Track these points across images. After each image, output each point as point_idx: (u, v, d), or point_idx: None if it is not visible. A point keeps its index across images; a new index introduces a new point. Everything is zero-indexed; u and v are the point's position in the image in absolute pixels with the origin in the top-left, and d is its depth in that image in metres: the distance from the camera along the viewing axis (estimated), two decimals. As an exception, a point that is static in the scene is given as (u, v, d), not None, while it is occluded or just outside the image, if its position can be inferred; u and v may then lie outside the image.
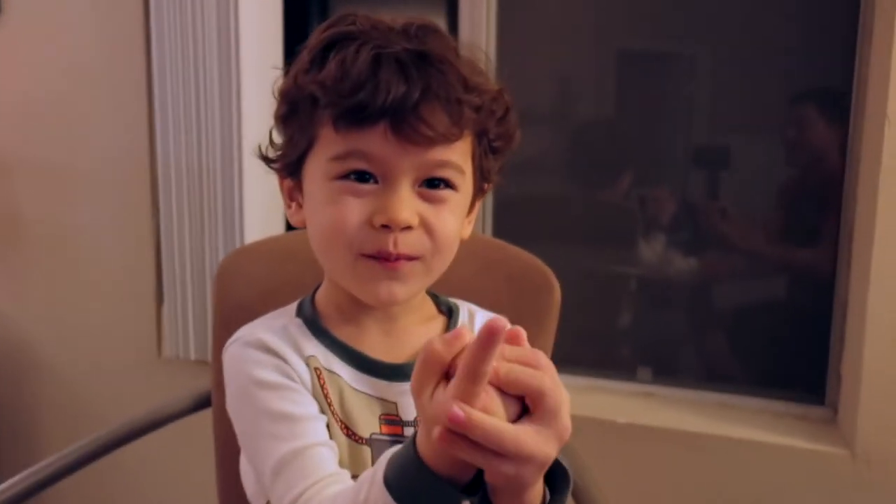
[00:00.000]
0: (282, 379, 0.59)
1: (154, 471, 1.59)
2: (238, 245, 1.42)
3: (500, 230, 1.49)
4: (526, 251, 0.82)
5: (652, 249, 1.49)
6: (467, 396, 0.41)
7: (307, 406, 0.59)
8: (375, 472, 0.46)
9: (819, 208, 1.37)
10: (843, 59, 1.26)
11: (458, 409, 0.40)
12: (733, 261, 1.47)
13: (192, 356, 1.50)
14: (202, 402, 0.92)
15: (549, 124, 1.51)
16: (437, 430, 0.41)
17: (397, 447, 0.47)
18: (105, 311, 1.60)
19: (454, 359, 0.43)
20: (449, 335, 0.43)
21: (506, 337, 0.41)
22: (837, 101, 1.31)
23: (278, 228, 1.53)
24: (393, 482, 0.44)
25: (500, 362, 0.42)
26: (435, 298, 0.69)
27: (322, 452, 0.57)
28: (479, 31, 1.43)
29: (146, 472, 1.59)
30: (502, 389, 0.42)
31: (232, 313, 0.85)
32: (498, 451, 0.41)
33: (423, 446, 0.44)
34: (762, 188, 1.42)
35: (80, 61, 1.53)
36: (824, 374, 1.31)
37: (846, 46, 1.24)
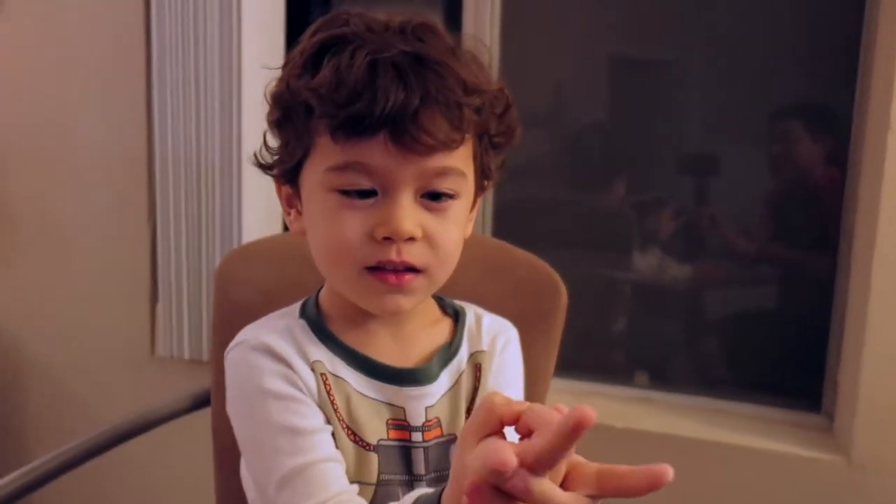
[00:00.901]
0: (287, 388, 0.58)
1: (151, 470, 1.57)
2: (236, 244, 1.41)
3: (498, 235, 1.49)
4: (533, 255, 0.82)
5: (648, 256, 1.49)
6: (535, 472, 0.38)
7: (313, 418, 0.58)
8: None
9: (814, 216, 1.38)
10: (839, 70, 1.27)
11: (524, 483, 0.37)
12: (729, 268, 1.48)
13: (187, 355, 1.49)
14: (201, 401, 0.91)
15: (546, 129, 1.52)
16: (469, 482, 0.38)
17: (422, 493, 0.46)
18: (98, 310, 1.58)
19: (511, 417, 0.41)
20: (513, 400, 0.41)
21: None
22: (824, 114, 1.34)
23: (277, 227, 1.52)
24: None
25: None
26: (440, 301, 0.68)
27: (328, 469, 0.56)
28: (482, 31, 1.43)
29: (143, 471, 1.57)
30: None
31: (232, 313, 0.85)
32: None
33: (448, 502, 0.43)
34: (757, 195, 1.43)
35: (78, 57, 1.51)
36: (821, 381, 1.31)
37: (843, 56, 1.25)
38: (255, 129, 1.41)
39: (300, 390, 0.58)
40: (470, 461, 0.40)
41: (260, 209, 1.46)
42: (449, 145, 0.54)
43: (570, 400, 1.40)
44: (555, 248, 1.50)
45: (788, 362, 1.40)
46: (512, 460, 0.36)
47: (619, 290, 1.53)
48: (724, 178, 1.43)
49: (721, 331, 1.50)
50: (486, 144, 0.60)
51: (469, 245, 0.63)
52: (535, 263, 0.82)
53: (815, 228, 1.39)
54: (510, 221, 1.50)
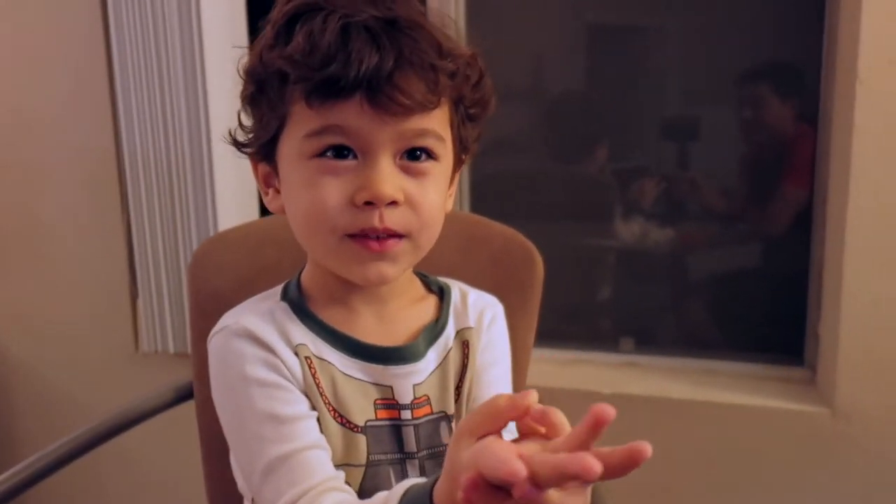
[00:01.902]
0: (270, 375, 0.57)
1: (141, 465, 1.57)
2: (212, 233, 1.40)
3: (477, 209, 1.48)
4: (508, 226, 0.81)
5: (629, 222, 1.50)
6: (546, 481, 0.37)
7: (297, 405, 0.57)
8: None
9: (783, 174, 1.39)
10: (808, 26, 1.27)
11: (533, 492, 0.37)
12: (710, 230, 1.49)
13: (172, 349, 1.48)
14: (184, 395, 0.90)
15: (521, 100, 1.51)
16: (467, 478, 0.38)
17: (412, 484, 0.46)
18: (79, 308, 1.57)
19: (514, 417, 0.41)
20: (518, 396, 0.41)
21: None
22: (794, 73, 1.35)
23: (252, 214, 1.51)
24: None
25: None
26: (424, 278, 0.67)
27: (313, 456, 0.55)
28: (447, 7, 1.40)
29: (132, 466, 1.57)
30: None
31: (208, 303, 0.84)
32: None
33: (440, 497, 0.43)
34: (732, 156, 1.44)
35: (37, 54, 1.48)
36: (802, 335, 1.33)
37: (811, 16, 1.25)
38: (222, 117, 1.39)
39: (284, 377, 0.57)
40: (466, 458, 0.39)
41: (234, 197, 1.44)
42: (426, 106, 0.54)
43: (556, 369, 1.41)
44: (536, 220, 1.51)
45: (770, 319, 1.42)
46: (521, 470, 0.36)
47: (602, 258, 1.53)
48: (703, 141, 1.43)
49: (704, 292, 1.52)
50: (462, 115, 0.59)
51: (444, 220, 0.62)
52: (511, 235, 0.81)
53: (785, 185, 1.40)
54: (489, 194, 1.50)
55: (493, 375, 0.65)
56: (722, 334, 1.48)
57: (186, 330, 1.46)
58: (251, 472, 0.56)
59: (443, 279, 0.68)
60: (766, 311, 1.43)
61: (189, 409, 0.90)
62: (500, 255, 0.79)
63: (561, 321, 1.49)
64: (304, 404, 0.57)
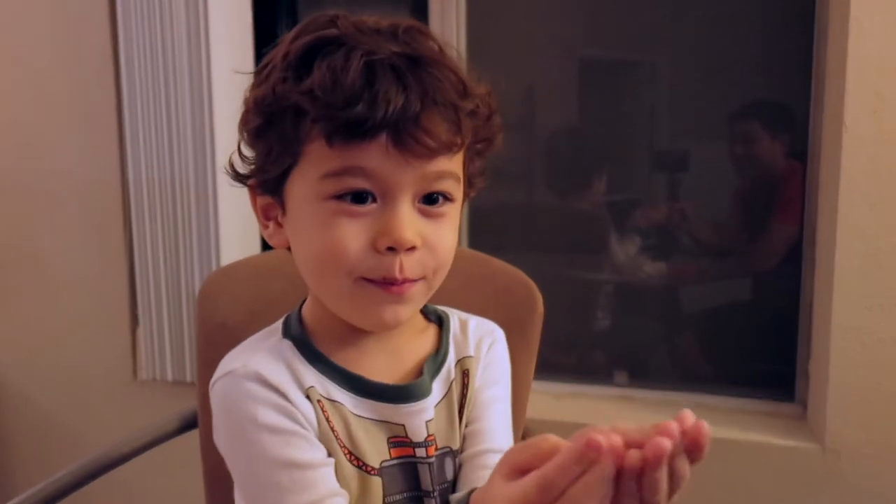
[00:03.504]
0: (285, 421, 0.55)
1: (142, 494, 1.57)
2: (214, 264, 1.42)
3: (473, 241, 1.51)
4: (509, 264, 0.84)
5: (623, 255, 1.52)
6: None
7: (314, 451, 0.55)
8: None
9: (774, 211, 1.43)
10: (798, 69, 1.31)
11: None
12: (702, 264, 1.52)
13: (170, 377, 1.49)
14: (188, 423, 0.91)
15: (517, 133, 1.54)
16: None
17: None
18: (79, 336, 1.57)
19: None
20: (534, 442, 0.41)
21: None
22: (783, 111, 1.38)
23: (255, 246, 1.53)
24: None
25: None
26: (422, 308, 0.65)
27: (337, 502, 0.54)
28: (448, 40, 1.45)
29: (134, 496, 1.57)
30: None
31: (216, 333, 0.86)
32: None
33: None
34: (723, 191, 1.47)
35: (45, 79, 1.51)
36: (793, 372, 1.35)
37: (802, 56, 1.30)
38: (228, 149, 1.41)
39: (299, 423, 0.55)
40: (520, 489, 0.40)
41: (237, 228, 1.46)
42: (451, 148, 0.53)
43: (551, 402, 1.43)
44: (529, 252, 1.53)
45: (762, 354, 1.44)
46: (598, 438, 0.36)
47: (595, 291, 1.55)
48: (694, 176, 1.46)
49: (696, 326, 1.53)
50: (472, 151, 0.58)
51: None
52: (512, 274, 0.84)
53: (775, 221, 1.43)
54: (485, 227, 1.52)
55: (490, 396, 0.64)
56: (714, 368, 1.50)
57: (185, 358, 1.47)
58: None
59: (441, 308, 0.67)
60: (758, 346, 1.45)
61: (190, 438, 0.91)
62: (501, 293, 0.81)
63: (556, 353, 1.51)
64: (321, 451, 0.56)
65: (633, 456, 0.37)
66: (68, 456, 0.86)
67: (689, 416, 0.38)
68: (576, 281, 1.54)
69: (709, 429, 0.38)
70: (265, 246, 1.52)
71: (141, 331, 1.51)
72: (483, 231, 1.51)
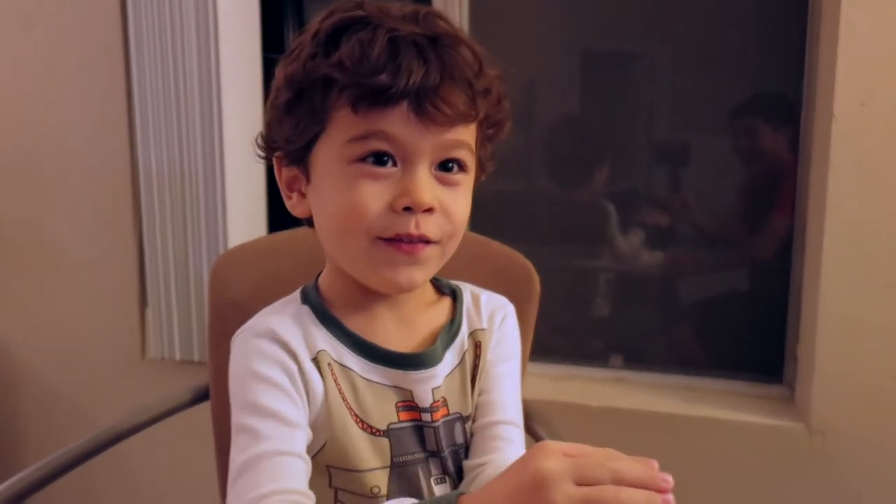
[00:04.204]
0: (281, 377, 0.58)
1: (153, 469, 1.60)
2: (222, 246, 1.45)
3: (475, 229, 1.54)
4: (508, 247, 0.88)
5: (626, 246, 1.56)
6: None
7: (297, 413, 0.58)
8: None
9: (774, 202, 1.46)
10: (793, 63, 1.34)
11: None
12: (698, 254, 1.55)
13: (178, 356, 1.53)
14: (201, 395, 0.95)
15: (518, 124, 1.57)
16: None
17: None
18: (89, 316, 1.60)
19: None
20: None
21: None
22: (784, 104, 1.39)
23: (260, 228, 1.56)
24: None
25: None
26: (435, 282, 0.69)
27: (294, 464, 0.56)
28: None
29: (144, 470, 1.60)
30: None
31: (226, 309, 0.90)
32: None
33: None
34: (723, 183, 1.50)
35: (56, 64, 1.53)
36: (782, 356, 1.39)
37: (797, 51, 1.33)
38: (236, 133, 1.45)
39: (295, 385, 0.58)
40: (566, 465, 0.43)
41: (244, 210, 1.49)
42: (466, 118, 0.57)
43: (548, 384, 1.47)
44: (531, 241, 1.57)
45: (753, 340, 1.47)
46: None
47: (595, 278, 1.58)
48: (694, 167, 1.48)
49: (690, 314, 1.56)
50: (484, 134, 0.62)
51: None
52: (510, 255, 0.88)
53: (775, 213, 1.46)
54: (486, 216, 1.56)
55: (502, 371, 0.67)
56: (706, 353, 1.53)
57: (193, 337, 1.51)
58: (233, 462, 0.56)
59: (454, 282, 0.70)
60: (749, 332, 1.48)
61: (201, 413, 0.95)
62: (499, 273, 0.85)
63: (554, 338, 1.55)
64: (303, 416, 0.58)
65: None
66: (77, 433, 0.86)
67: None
68: (575, 269, 1.57)
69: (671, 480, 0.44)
70: (271, 229, 1.56)
71: (150, 311, 1.54)
72: (484, 220, 1.54)
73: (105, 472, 1.58)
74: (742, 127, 1.44)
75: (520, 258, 0.86)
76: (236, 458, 0.56)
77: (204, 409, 0.94)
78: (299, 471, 0.56)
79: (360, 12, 0.57)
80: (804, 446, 1.27)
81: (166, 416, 0.93)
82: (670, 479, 0.42)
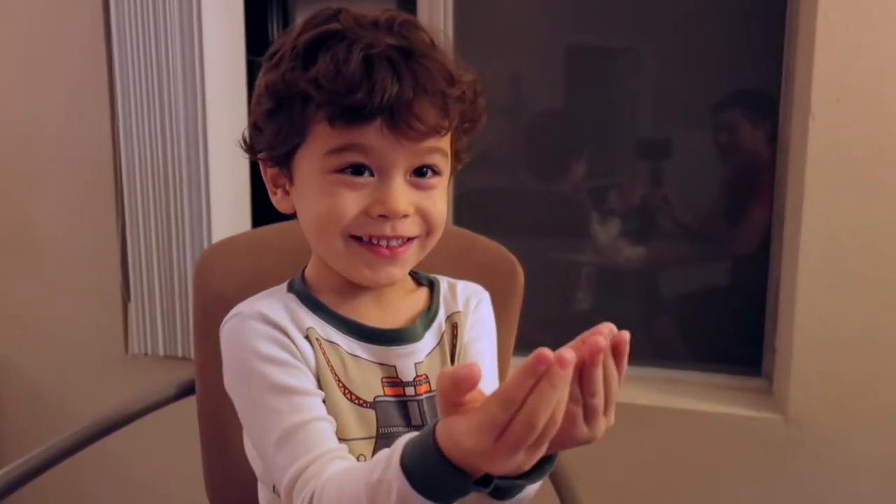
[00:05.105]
0: (283, 354, 0.61)
1: (138, 465, 1.60)
2: (206, 241, 1.45)
3: (459, 223, 1.55)
4: (492, 241, 0.89)
5: (604, 236, 1.57)
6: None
7: (307, 381, 0.61)
8: (391, 456, 0.48)
9: (753, 197, 1.48)
10: (772, 60, 1.36)
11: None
12: (679, 248, 1.57)
13: (161, 352, 1.52)
14: (185, 390, 0.95)
15: (502, 118, 1.58)
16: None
17: (411, 435, 0.49)
18: (71, 310, 1.60)
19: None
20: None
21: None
22: (763, 100, 1.41)
23: (245, 223, 1.56)
24: (410, 468, 0.46)
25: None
26: (413, 275, 0.73)
27: (323, 427, 0.59)
28: (436, 26, 1.48)
29: (130, 466, 1.60)
30: None
31: (212, 304, 0.90)
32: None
33: (442, 439, 0.46)
34: (704, 178, 1.52)
35: (38, 61, 1.52)
36: (760, 349, 1.42)
37: (776, 49, 1.35)
38: (220, 127, 1.44)
39: (295, 356, 0.62)
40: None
41: (227, 205, 1.49)
42: (438, 131, 0.60)
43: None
44: (514, 234, 1.58)
45: (732, 333, 1.50)
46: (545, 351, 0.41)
47: (576, 272, 1.60)
48: (676, 161, 1.50)
49: (671, 307, 1.59)
50: (459, 130, 0.65)
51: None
52: (494, 248, 0.89)
53: (754, 208, 1.49)
54: (470, 209, 1.57)
55: (479, 349, 0.71)
56: (687, 346, 1.56)
57: (177, 333, 1.51)
58: (265, 445, 0.60)
59: (431, 275, 0.74)
60: (729, 326, 1.51)
61: (186, 408, 0.95)
62: (483, 266, 0.85)
63: (537, 331, 1.56)
64: (312, 383, 0.62)
65: (575, 355, 0.43)
66: (60, 429, 0.87)
67: (612, 326, 0.46)
68: (558, 262, 1.59)
69: (628, 336, 0.47)
70: (255, 223, 1.56)
71: (132, 306, 1.54)
72: (468, 214, 1.56)
73: (90, 468, 1.57)
74: (722, 122, 1.46)
75: (503, 251, 0.88)
76: (266, 438, 0.59)
77: (188, 405, 0.94)
78: (327, 432, 0.59)
79: (336, 25, 0.59)
80: (781, 436, 1.29)
81: (150, 410, 0.94)
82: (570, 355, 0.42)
